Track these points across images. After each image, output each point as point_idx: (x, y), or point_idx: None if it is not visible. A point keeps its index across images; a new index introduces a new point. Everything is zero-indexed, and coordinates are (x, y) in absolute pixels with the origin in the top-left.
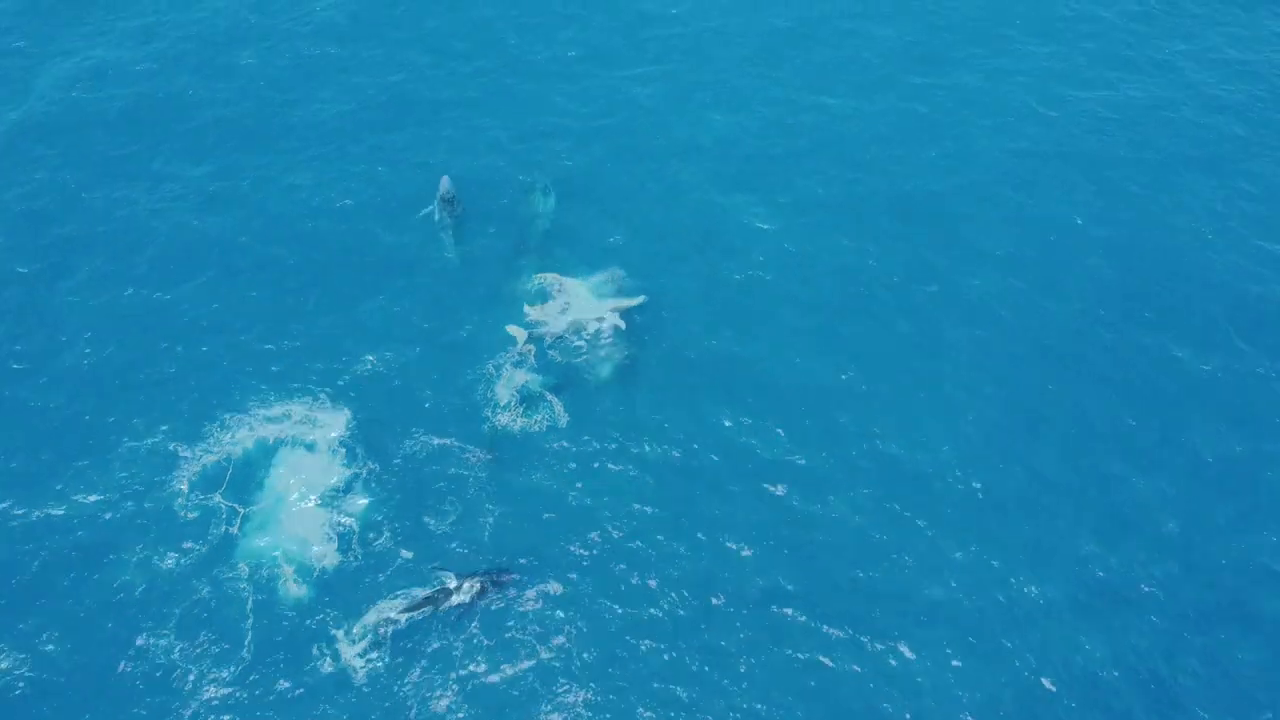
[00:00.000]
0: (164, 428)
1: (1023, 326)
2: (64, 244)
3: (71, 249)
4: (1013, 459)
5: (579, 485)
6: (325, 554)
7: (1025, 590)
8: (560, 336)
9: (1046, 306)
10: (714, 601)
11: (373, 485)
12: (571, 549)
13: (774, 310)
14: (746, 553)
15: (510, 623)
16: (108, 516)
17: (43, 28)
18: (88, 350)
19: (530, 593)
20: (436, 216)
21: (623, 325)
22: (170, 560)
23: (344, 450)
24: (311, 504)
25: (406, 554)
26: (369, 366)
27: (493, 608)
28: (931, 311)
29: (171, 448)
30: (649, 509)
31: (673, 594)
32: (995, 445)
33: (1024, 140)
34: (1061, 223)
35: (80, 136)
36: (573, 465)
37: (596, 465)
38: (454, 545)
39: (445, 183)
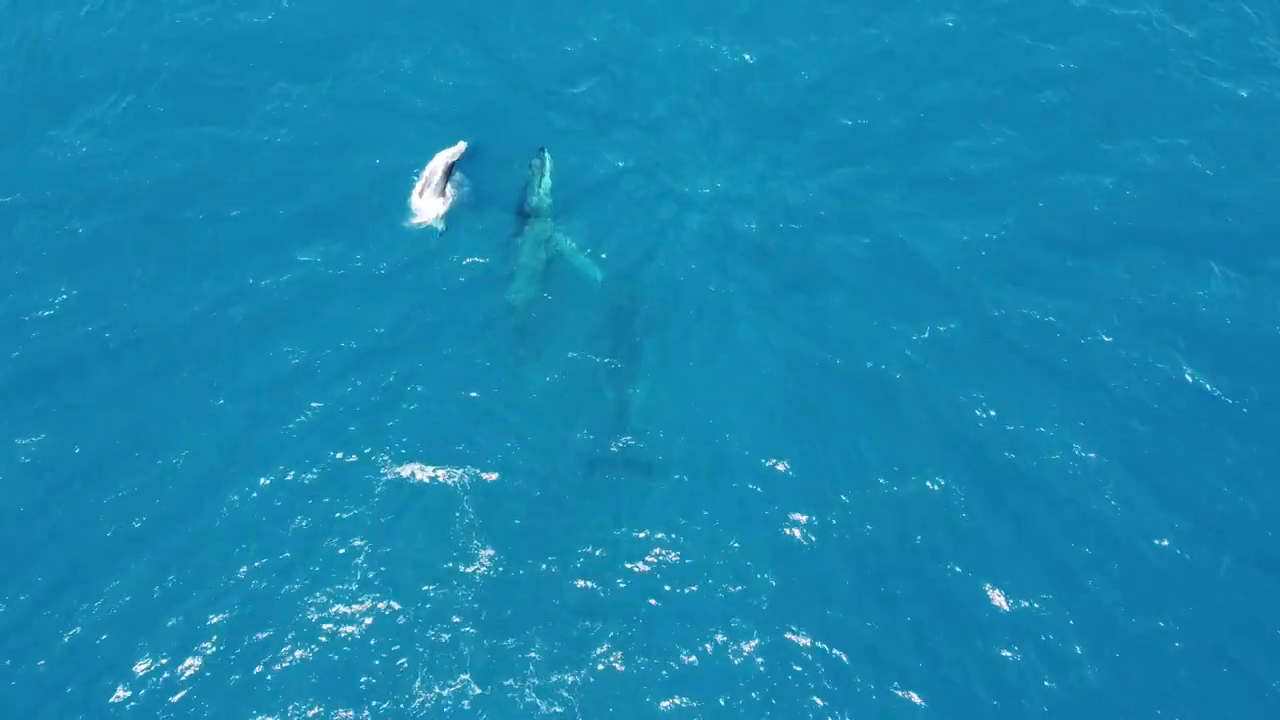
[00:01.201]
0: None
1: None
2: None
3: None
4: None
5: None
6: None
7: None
8: None
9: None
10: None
11: (359, 525)
12: (575, 595)
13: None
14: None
15: (509, 679)
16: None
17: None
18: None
19: (530, 641)
20: (439, 191)
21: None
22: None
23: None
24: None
25: (400, 614)
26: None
27: (486, 658)
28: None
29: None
30: (660, 552)
31: (682, 649)
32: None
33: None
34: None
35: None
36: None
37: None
38: (445, 590)
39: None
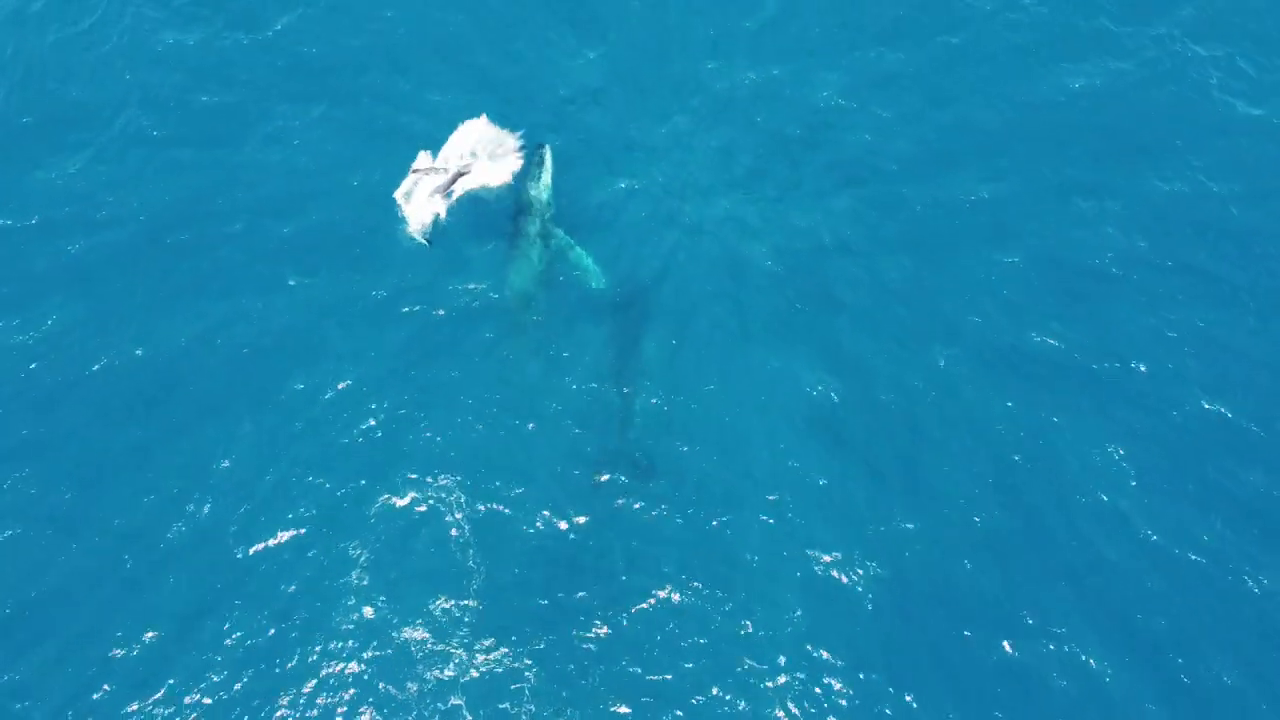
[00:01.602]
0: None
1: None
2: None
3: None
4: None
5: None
6: None
7: None
8: None
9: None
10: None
11: (356, 552)
12: (578, 626)
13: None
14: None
15: (504, 703)
16: None
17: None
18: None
19: (528, 673)
20: (438, 191)
21: None
22: None
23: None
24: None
25: (397, 641)
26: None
27: (484, 675)
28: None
29: None
30: (670, 585)
31: (692, 689)
32: None
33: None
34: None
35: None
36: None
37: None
38: (443, 618)
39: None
